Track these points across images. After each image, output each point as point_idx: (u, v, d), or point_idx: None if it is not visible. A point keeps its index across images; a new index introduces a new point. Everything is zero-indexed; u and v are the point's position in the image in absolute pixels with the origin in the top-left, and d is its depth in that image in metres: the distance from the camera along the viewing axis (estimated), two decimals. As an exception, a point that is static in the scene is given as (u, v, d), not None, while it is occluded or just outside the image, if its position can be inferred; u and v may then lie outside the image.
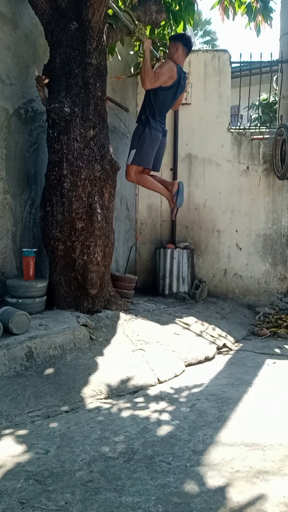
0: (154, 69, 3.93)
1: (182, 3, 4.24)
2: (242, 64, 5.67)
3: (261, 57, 5.47)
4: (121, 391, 2.58)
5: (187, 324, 4.03)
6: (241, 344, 4.06)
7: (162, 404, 2.44)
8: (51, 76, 3.43)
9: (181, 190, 4.06)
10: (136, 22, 3.99)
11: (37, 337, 2.75)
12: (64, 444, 1.93)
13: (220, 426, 2.17)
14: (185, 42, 3.98)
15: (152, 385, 2.74)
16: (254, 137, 5.51)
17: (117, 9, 3.76)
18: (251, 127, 5.73)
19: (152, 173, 4.23)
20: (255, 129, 5.68)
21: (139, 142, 3.96)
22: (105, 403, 2.42)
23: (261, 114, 7.54)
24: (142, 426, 2.14)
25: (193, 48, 5.76)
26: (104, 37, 3.57)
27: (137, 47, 4.76)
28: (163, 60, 4.80)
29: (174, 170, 5.56)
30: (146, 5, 4.13)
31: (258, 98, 6.31)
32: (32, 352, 2.66)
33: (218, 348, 3.76)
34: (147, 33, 4.39)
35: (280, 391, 2.75)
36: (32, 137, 3.73)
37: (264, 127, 5.77)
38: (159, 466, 1.77)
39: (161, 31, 4.68)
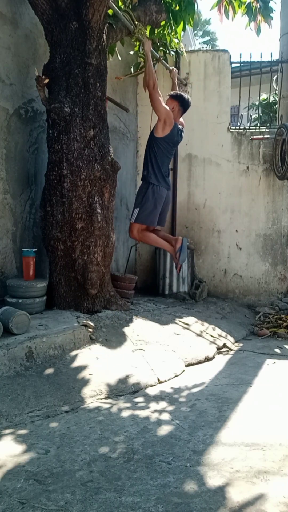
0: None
1: (182, 3, 4.24)
2: (242, 64, 5.66)
3: (261, 57, 5.47)
4: (121, 391, 2.58)
5: (187, 324, 4.03)
6: (241, 344, 4.06)
7: (162, 404, 2.44)
8: (51, 76, 3.43)
9: (184, 247, 4.06)
10: (136, 22, 3.99)
11: (37, 337, 2.75)
12: (64, 444, 1.93)
13: (220, 426, 2.18)
14: (181, 102, 4.06)
15: (152, 385, 2.74)
16: (254, 137, 5.51)
17: (117, 9, 3.76)
18: (251, 127, 5.73)
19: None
20: (255, 129, 5.68)
21: (143, 201, 3.99)
22: (105, 403, 2.42)
23: (261, 114, 7.54)
24: (142, 426, 2.14)
25: (193, 48, 5.78)
26: (104, 37, 3.57)
27: (137, 47, 4.76)
28: (163, 60, 4.82)
29: (174, 170, 5.56)
30: (146, 5, 4.13)
31: (258, 98, 6.31)
32: (32, 352, 2.66)
33: (218, 348, 3.76)
34: (147, 33, 4.39)
35: (280, 391, 2.75)
36: (32, 137, 3.73)
37: (264, 127, 5.77)
38: (159, 466, 1.77)
39: (161, 31, 4.68)
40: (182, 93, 4.13)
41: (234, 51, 41.67)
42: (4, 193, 3.44)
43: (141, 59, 4.82)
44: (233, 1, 4.45)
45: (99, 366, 2.78)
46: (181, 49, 5.30)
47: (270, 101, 7.79)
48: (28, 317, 2.81)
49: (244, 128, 5.66)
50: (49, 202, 3.46)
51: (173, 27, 4.58)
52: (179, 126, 4.11)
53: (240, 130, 5.59)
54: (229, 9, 4.49)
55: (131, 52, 4.91)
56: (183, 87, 5.50)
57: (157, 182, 3.99)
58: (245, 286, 5.61)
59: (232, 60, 5.60)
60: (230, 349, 3.84)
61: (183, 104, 4.07)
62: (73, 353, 2.87)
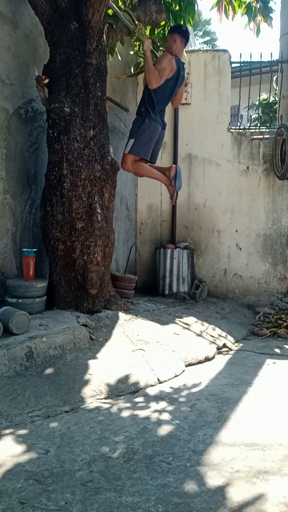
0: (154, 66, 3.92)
1: (182, 3, 4.24)
2: (242, 64, 5.67)
3: (261, 57, 5.47)
4: (121, 391, 2.58)
5: (187, 324, 4.03)
6: (241, 344, 4.06)
7: (162, 404, 2.44)
8: (51, 76, 3.43)
9: (179, 173, 4.03)
10: (136, 22, 3.99)
11: (37, 337, 2.75)
12: (64, 444, 1.93)
13: (220, 426, 2.17)
14: (182, 32, 3.98)
15: (152, 385, 2.74)
16: (254, 137, 5.51)
17: (117, 9, 3.76)
18: (251, 127, 5.73)
19: None
20: (255, 129, 5.68)
21: (138, 132, 3.94)
22: (105, 403, 2.42)
23: (261, 114, 7.54)
24: (142, 426, 2.14)
25: (193, 48, 5.78)
26: (104, 37, 3.57)
27: (137, 47, 4.76)
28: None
29: (174, 170, 5.55)
30: (146, 5, 4.13)
31: (258, 98, 6.31)
32: (32, 352, 2.66)
33: (218, 348, 3.76)
34: (147, 33, 4.39)
35: (280, 391, 2.75)
36: (32, 137, 3.73)
37: (264, 127, 5.77)
38: (159, 466, 1.77)
39: (161, 31, 4.68)
40: (179, 24, 4.05)
41: (234, 51, 41.66)
42: (4, 193, 3.44)
43: (141, 59, 4.82)
44: (233, 1, 4.45)
45: (99, 366, 2.78)
46: (181, 49, 5.29)
47: (270, 101, 7.79)
48: (28, 317, 2.81)
49: (244, 128, 5.66)
50: (49, 202, 3.46)
51: (173, 27, 4.57)
52: (182, 62, 4.01)
53: (240, 130, 5.59)
54: (229, 9, 4.50)
55: (131, 52, 4.91)
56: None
57: (153, 117, 3.95)
58: (245, 286, 5.61)
59: (232, 60, 5.60)
60: (230, 349, 3.84)
61: (183, 34, 3.98)
62: (73, 353, 2.87)
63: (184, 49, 4.18)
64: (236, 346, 3.99)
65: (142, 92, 4.09)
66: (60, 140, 3.42)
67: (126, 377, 2.72)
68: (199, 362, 3.35)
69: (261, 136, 5.50)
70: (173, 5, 4.29)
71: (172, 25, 4.41)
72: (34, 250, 3.39)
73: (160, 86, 3.89)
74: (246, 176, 5.56)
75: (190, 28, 4.61)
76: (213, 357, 3.53)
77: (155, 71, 3.79)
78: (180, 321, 4.06)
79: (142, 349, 3.18)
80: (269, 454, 1.89)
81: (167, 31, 4.69)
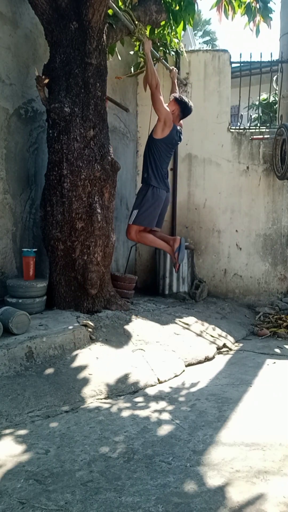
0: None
1: (182, 3, 4.23)
2: (242, 64, 5.66)
3: (261, 57, 5.47)
4: (121, 391, 2.58)
5: (187, 324, 4.03)
6: (241, 344, 4.06)
7: (162, 404, 2.44)
8: (51, 76, 3.43)
9: (182, 246, 4.07)
10: (136, 22, 3.99)
11: (37, 337, 2.75)
12: (64, 444, 1.93)
13: (220, 426, 2.17)
14: (183, 108, 4.06)
15: (152, 385, 2.74)
16: (254, 137, 5.51)
17: (117, 9, 3.76)
18: (251, 127, 5.72)
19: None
20: (255, 129, 5.68)
21: (142, 203, 3.99)
22: (105, 403, 2.42)
23: (261, 114, 7.54)
24: (142, 426, 2.14)
25: (193, 48, 5.78)
26: (104, 37, 3.57)
27: (137, 47, 4.76)
28: (163, 59, 4.82)
29: (174, 170, 5.56)
30: (146, 5, 4.13)
31: (258, 98, 6.30)
32: (32, 352, 2.66)
33: (218, 348, 3.76)
34: (147, 33, 4.39)
35: (280, 391, 2.75)
36: (32, 137, 3.73)
37: (264, 127, 5.77)
38: (159, 466, 1.77)
39: (161, 31, 4.68)
40: (186, 100, 4.11)
41: (234, 51, 41.68)
42: (4, 193, 3.44)
43: (141, 59, 4.82)
44: (233, 1, 4.45)
45: (99, 366, 2.78)
46: (181, 49, 5.30)
47: (270, 101, 7.79)
48: (28, 317, 2.81)
49: (244, 128, 5.65)
50: (49, 202, 3.46)
51: (173, 27, 4.57)
52: (178, 127, 4.11)
53: (240, 130, 5.59)
54: (229, 9, 4.50)
55: (131, 52, 4.91)
56: (183, 87, 5.51)
57: (157, 184, 4.00)
58: (245, 286, 5.61)
59: (232, 60, 5.60)
60: (230, 349, 3.84)
61: (184, 110, 4.08)
62: (73, 353, 2.87)
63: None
64: (236, 346, 3.99)
65: (143, 158, 4.13)
66: (60, 140, 3.42)
67: (126, 377, 2.72)
68: (199, 362, 3.35)
69: (261, 136, 5.50)
70: (173, 5, 4.29)
71: (173, 25, 4.42)
72: (34, 250, 3.39)
73: (160, 145, 3.96)
74: (246, 176, 5.56)
75: (190, 28, 4.61)
76: (213, 357, 3.53)
77: (156, 74, 3.84)
78: (180, 321, 4.06)
79: (142, 349, 3.18)
80: (269, 454, 1.89)
81: (167, 31, 4.71)
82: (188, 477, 1.69)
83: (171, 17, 4.33)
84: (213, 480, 1.67)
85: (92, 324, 3.25)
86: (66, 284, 3.55)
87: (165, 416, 2.28)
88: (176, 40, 4.96)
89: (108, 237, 3.62)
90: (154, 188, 3.98)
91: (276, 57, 5.61)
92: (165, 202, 4.18)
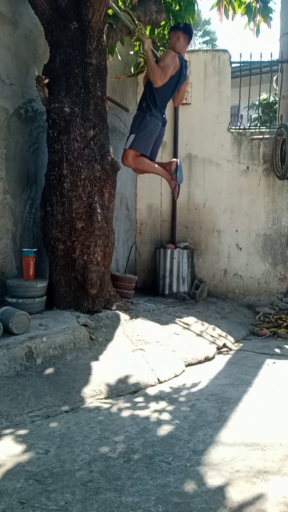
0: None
1: (182, 3, 4.24)
2: (242, 64, 5.66)
3: (261, 57, 5.47)
4: (121, 391, 2.58)
5: (187, 324, 4.02)
6: (241, 344, 4.06)
7: (162, 404, 2.44)
8: (51, 76, 3.43)
9: (180, 167, 4.02)
10: (136, 22, 3.99)
11: (37, 337, 2.75)
12: (64, 444, 1.93)
13: (220, 426, 2.17)
14: (185, 30, 3.96)
15: (152, 385, 2.74)
16: (254, 137, 5.51)
17: (117, 9, 3.76)
18: (251, 127, 5.73)
19: None
20: (255, 129, 5.68)
21: (139, 127, 3.92)
22: (105, 403, 2.42)
23: (261, 114, 7.54)
24: (142, 426, 2.14)
25: (193, 48, 5.78)
26: (104, 37, 3.57)
27: (137, 47, 4.76)
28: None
29: (174, 170, 5.55)
30: (146, 5, 4.13)
31: (258, 98, 6.30)
32: (32, 352, 2.66)
33: (218, 348, 3.76)
34: (147, 33, 4.39)
35: (280, 391, 2.75)
36: (32, 137, 3.73)
37: (264, 127, 5.77)
38: (159, 466, 1.77)
39: (161, 31, 4.68)
40: (179, 24, 4.03)
41: (234, 51, 41.64)
42: (4, 193, 3.44)
43: (141, 59, 4.82)
44: (233, 1, 4.46)
45: (99, 366, 2.78)
46: (181, 49, 5.28)
47: (270, 101, 7.79)
48: (28, 317, 2.81)
49: (244, 128, 5.66)
50: (49, 202, 3.46)
51: (173, 27, 4.56)
52: (184, 60, 3.98)
53: (240, 130, 5.59)
54: (229, 9, 4.50)
55: (131, 52, 4.91)
56: (183, 87, 5.50)
57: (154, 113, 3.94)
58: (245, 286, 5.61)
59: (232, 60, 5.60)
60: (230, 349, 3.84)
61: (187, 31, 3.95)
62: (73, 353, 2.87)
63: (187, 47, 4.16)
64: (236, 346, 3.99)
65: (143, 88, 4.07)
66: (60, 140, 3.42)
67: (126, 377, 2.72)
68: (199, 362, 3.35)
69: (261, 136, 5.50)
70: (173, 5, 4.29)
71: (173, 24, 4.41)
72: (34, 250, 3.39)
73: (163, 86, 3.87)
74: (246, 176, 5.56)
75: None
76: (213, 357, 3.53)
77: (159, 69, 3.76)
78: (180, 321, 4.06)
79: (142, 349, 3.18)
80: (269, 454, 1.89)
81: (167, 31, 4.70)
82: (188, 477, 1.69)
83: (171, 17, 4.34)
84: (213, 480, 1.67)
85: (92, 324, 3.25)
86: (66, 284, 3.55)
87: (165, 416, 2.28)
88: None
89: (108, 237, 3.62)
90: (151, 115, 3.92)
91: (276, 57, 5.61)
92: (161, 132, 4.10)
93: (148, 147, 3.99)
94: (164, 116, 4.08)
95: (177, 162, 4.06)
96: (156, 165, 4.10)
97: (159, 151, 4.34)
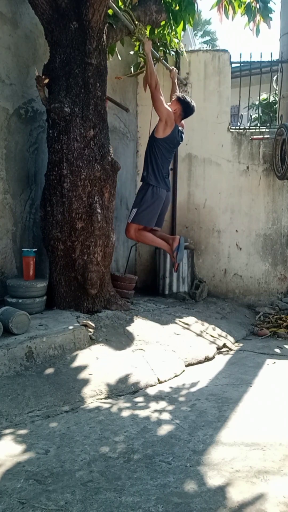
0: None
1: (182, 3, 4.24)
2: (242, 64, 5.66)
3: (261, 57, 5.47)
4: (121, 391, 2.58)
5: (187, 324, 4.02)
6: (241, 344, 4.06)
7: (162, 404, 2.44)
8: (51, 76, 3.43)
9: (182, 246, 4.07)
10: (136, 22, 3.99)
11: (37, 337, 2.75)
12: (64, 444, 1.93)
13: (220, 426, 2.17)
14: (185, 108, 4.05)
15: (152, 385, 2.74)
16: (254, 137, 5.51)
17: (117, 9, 3.76)
18: (251, 127, 5.72)
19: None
20: (255, 129, 5.68)
21: (141, 202, 3.98)
22: (105, 403, 2.42)
23: (261, 114, 7.54)
24: (142, 426, 2.14)
25: (193, 48, 5.78)
26: (104, 37, 3.57)
27: (137, 47, 4.76)
28: (163, 59, 4.81)
29: (174, 170, 5.56)
30: (146, 5, 4.13)
31: (258, 98, 6.30)
32: (32, 352, 2.66)
33: (218, 348, 3.76)
34: (147, 33, 4.39)
35: (280, 391, 2.75)
36: (32, 137, 3.73)
37: (264, 127, 5.77)
38: (159, 466, 1.77)
39: (161, 31, 4.68)
40: (189, 99, 4.10)
41: (234, 51, 41.65)
42: (4, 193, 3.44)
43: (141, 59, 4.82)
44: (233, 1, 4.46)
45: (99, 366, 2.78)
46: (181, 49, 5.30)
47: (270, 101, 7.78)
48: (28, 317, 2.81)
49: (244, 128, 5.65)
50: (49, 202, 3.46)
51: (173, 27, 4.57)
52: (180, 128, 4.11)
53: (240, 130, 5.59)
54: (229, 9, 4.50)
55: (131, 52, 4.91)
56: (183, 87, 5.50)
57: (156, 184, 3.99)
58: (245, 286, 5.61)
59: (232, 60, 5.60)
60: (230, 349, 3.84)
61: (186, 110, 4.07)
62: (73, 353, 2.87)
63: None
64: (236, 346, 3.99)
65: (144, 156, 4.12)
66: (60, 140, 3.42)
67: (126, 377, 2.72)
68: (199, 362, 3.35)
69: (261, 136, 5.49)
70: (173, 5, 4.29)
71: (173, 25, 4.42)
72: (34, 250, 3.39)
73: (161, 145, 3.95)
74: (246, 176, 5.56)
75: (190, 28, 4.60)
76: (213, 357, 3.53)
77: (156, 75, 3.83)
78: (180, 321, 4.06)
79: (142, 349, 3.18)
80: (269, 454, 1.89)
81: (167, 31, 4.71)
82: (188, 477, 1.69)
83: (171, 17, 4.34)
84: (213, 480, 1.67)
85: (92, 324, 3.25)
86: (66, 284, 3.55)
87: (165, 416, 2.28)
88: (176, 40, 4.96)
89: (108, 237, 3.62)
90: (153, 187, 3.98)
91: (276, 57, 5.61)
92: (166, 202, 4.17)
93: (151, 220, 4.05)
94: (168, 181, 4.14)
95: (179, 239, 4.08)
96: (159, 240, 4.14)
97: (165, 215, 4.37)
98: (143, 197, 3.99)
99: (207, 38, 19.02)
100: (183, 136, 4.20)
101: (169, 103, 4.03)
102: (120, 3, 4.10)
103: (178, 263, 4.14)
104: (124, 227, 5.20)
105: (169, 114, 3.90)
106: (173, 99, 4.09)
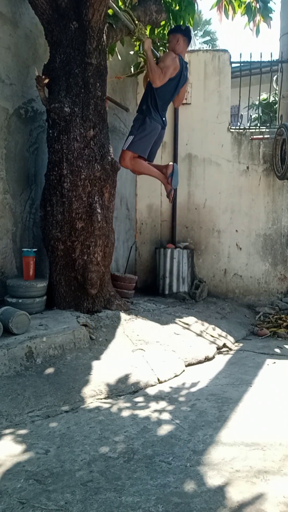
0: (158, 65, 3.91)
1: (182, 3, 4.24)
2: (242, 64, 5.66)
3: (261, 57, 5.47)
4: (121, 391, 2.58)
5: (187, 324, 4.02)
6: (241, 344, 4.06)
7: (162, 404, 2.44)
8: (51, 76, 3.43)
9: (176, 171, 4.03)
10: (136, 22, 3.99)
11: (37, 337, 2.75)
12: (64, 444, 1.93)
13: (220, 426, 2.17)
14: (185, 32, 3.97)
15: (152, 385, 2.74)
16: (254, 137, 5.51)
17: (117, 9, 3.76)
18: (251, 127, 5.73)
19: None
20: (255, 129, 5.68)
21: (138, 129, 3.93)
22: (105, 403, 2.42)
23: (261, 114, 7.54)
24: (142, 426, 2.14)
25: (193, 48, 5.79)
26: (104, 37, 3.57)
27: (137, 47, 4.76)
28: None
29: (174, 170, 5.55)
30: (146, 5, 4.13)
31: (258, 98, 6.30)
32: (32, 352, 2.66)
33: (218, 348, 3.76)
34: (147, 33, 4.39)
35: (280, 391, 2.75)
36: (32, 137, 3.73)
37: (264, 127, 5.77)
38: (159, 466, 1.77)
39: (161, 31, 4.68)
40: (180, 25, 4.02)
41: (234, 51, 41.63)
42: (4, 193, 3.44)
43: (141, 59, 4.82)
44: (233, 1, 4.46)
45: (99, 366, 2.78)
46: (181, 49, 5.28)
47: (270, 101, 7.79)
48: (28, 317, 2.81)
49: (244, 128, 5.66)
50: (49, 202, 3.47)
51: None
52: (184, 62, 3.99)
53: (240, 130, 5.59)
54: (229, 9, 4.50)
55: (131, 52, 4.91)
56: (183, 87, 5.50)
57: (154, 116, 3.94)
58: (245, 286, 5.61)
59: (232, 60, 5.60)
60: (230, 349, 3.84)
61: (186, 34, 3.97)
62: (73, 353, 2.87)
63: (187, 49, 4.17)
64: (236, 346, 3.99)
65: (144, 91, 4.07)
66: (60, 140, 3.42)
67: (126, 377, 2.72)
68: (199, 362, 3.35)
69: (261, 136, 5.50)
70: (173, 5, 4.29)
71: (173, 25, 4.41)
72: (34, 250, 3.39)
73: (163, 85, 3.87)
74: (246, 176, 5.56)
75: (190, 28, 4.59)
76: (213, 357, 3.53)
77: (158, 70, 3.76)
78: (180, 321, 4.06)
79: (142, 349, 3.18)
80: (269, 454, 1.89)
81: (167, 31, 4.70)
82: (188, 477, 1.69)
83: (171, 17, 4.34)
84: (213, 480, 1.67)
85: (92, 324, 3.25)
86: (66, 284, 3.56)
87: (165, 416, 2.28)
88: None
89: (108, 237, 3.62)
90: (151, 118, 3.91)
91: (276, 57, 5.61)
92: (160, 135, 4.11)
93: (146, 149, 4.00)
94: (164, 119, 4.08)
95: (173, 166, 4.06)
96: (153, 168, 4.11)
97: (159, 152, 4.34)
98: (140, 125, 3.92)
99: (207, 38, 18.99)
100: (188, 66, 4.10)
101: (163, 57, 3.91)
102: (120, 3, 4.11)
103: (174, 190, 4.08)
104: (124, 227, 5.21)
105: (173, 60, 3.80)
106: (168, 39, 3.99)
